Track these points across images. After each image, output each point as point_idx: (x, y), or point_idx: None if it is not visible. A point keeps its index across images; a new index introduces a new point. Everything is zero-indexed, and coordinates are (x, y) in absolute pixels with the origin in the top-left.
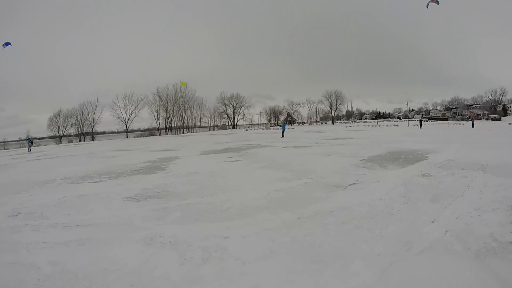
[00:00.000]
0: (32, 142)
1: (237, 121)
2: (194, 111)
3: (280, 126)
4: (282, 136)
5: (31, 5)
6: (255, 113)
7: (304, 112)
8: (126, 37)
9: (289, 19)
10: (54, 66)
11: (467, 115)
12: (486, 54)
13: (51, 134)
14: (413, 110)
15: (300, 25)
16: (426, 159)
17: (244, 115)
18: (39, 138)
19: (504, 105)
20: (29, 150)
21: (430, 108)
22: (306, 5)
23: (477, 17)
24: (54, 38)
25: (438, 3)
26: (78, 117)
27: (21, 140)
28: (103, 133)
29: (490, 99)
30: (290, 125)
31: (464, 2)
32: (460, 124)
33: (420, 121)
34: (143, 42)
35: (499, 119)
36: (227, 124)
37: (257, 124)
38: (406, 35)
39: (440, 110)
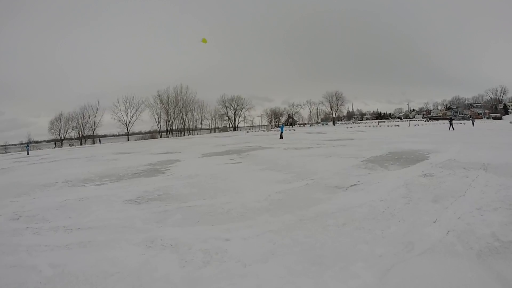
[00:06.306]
0: (29, 146)
1: (238, 123)
2: (195, 114)
3: (279, 127)
4: (281, 137)
5: (31, 6)
6: (256, 115)
7: (304, 113)
8: (127, 38)
9: (289, 19)
10: (54, 67)
11: (468, 114)
12: (493, 56)
13: (53, 137)
14: (413, 110)
15: (299, 24)
16: (427, 159)
17: (244, 117)
18: (40, 142)
19: (505, 104)
20: (28, 154)
21: (431, 107)
22: (306, 4)
23: (487, 20)
24: (54, 39)
25: None
26: (79, 120)
27: (22, 144)
28: (104, 136)
29: (491, 98)
30: (291, 126)
31: (475, 5)
32: (461, 123)
33: (451, 119)
34: (143, 43)
35: (500, 118)
36: (228, 126)
37: (257, 126)
38: (406, 34)
39: (441, 110)
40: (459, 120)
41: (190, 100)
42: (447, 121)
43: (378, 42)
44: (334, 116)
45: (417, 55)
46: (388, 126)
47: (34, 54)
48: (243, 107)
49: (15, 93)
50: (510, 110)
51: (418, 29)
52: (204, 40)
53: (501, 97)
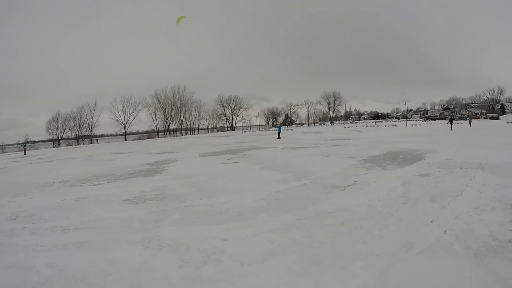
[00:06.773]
0: (26, 146)
1: (236, 123)
2: (193, 113)
3: (277, 127)
4: (278, 137)
5: (31, 6)
6: (254, 114)
7: (302, 113)
8: (127, 38)
9: (289, 19)
10: (54, 67)
11: (465, 114)
12: (493, 56)
13: (50, 137)
14: (411, 110)
15: (299, 24)
16: (424, 159)
17: (242, 116)
18: (37, 142)
19: (502, 104)
20: (25, 154)
21: (428, 108)
22: (306, 4)
23: (487, 20)
24: (54, 39)
25: None
26: (77, 120)
27: (19, 143)
28: (102, 136)
29: (488, 98)
30: (288, 126)
31: (475, 5)
32: (458, 123)
33: (451, 119)
34: (143, 43)
35: (497, 118)
36: (225, 126)
37: (255, 125)
38: (406, 34)
39: (438, 110)
40: (457, 120)
41: (188, 100)
42: (445, 121)
43: (378, 42)
44: (331, 116)
45: (417, 55)
46: (385, 126)
47: (34, 54)
48: (241, 107)
49: (15, 93)
50: (507, 110)
51: (418, 29)
52: (180, 18)
53: (498, 97)
